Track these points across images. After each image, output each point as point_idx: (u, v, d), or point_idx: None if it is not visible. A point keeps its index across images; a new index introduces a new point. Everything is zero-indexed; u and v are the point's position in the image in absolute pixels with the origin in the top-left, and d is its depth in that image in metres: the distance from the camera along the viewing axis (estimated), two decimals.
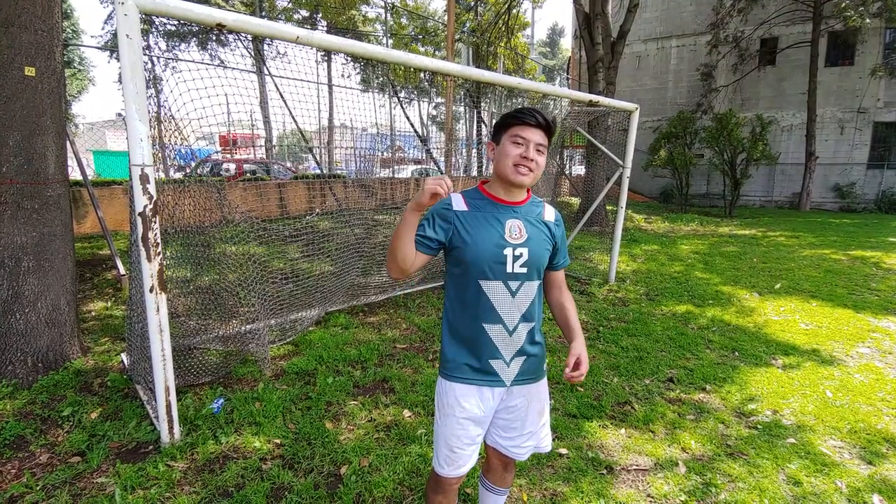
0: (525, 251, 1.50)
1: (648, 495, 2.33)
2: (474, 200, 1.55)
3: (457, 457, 1.59)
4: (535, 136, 1.48)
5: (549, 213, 1.63)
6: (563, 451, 2.64)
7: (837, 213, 15.97)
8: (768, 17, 16.89)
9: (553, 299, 1.74)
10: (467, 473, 1.67)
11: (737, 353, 4.07)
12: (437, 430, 1.65)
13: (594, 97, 5.28)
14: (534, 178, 1.51)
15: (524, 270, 1.51)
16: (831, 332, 4.61)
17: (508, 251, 1.49)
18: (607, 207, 11.13)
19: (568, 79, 23.63)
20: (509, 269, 1.49)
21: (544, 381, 1.70)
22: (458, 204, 1.54)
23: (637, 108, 5.80)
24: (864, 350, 4.19)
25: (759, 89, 17.94)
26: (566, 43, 56.46)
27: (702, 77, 18.43)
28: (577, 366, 1.55)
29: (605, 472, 2.50)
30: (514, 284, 1.51)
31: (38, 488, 2.28)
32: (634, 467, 2.54)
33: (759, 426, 2.95)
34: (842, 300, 5.62)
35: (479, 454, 1.67)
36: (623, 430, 2.88)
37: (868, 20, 14.41)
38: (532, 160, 1.48)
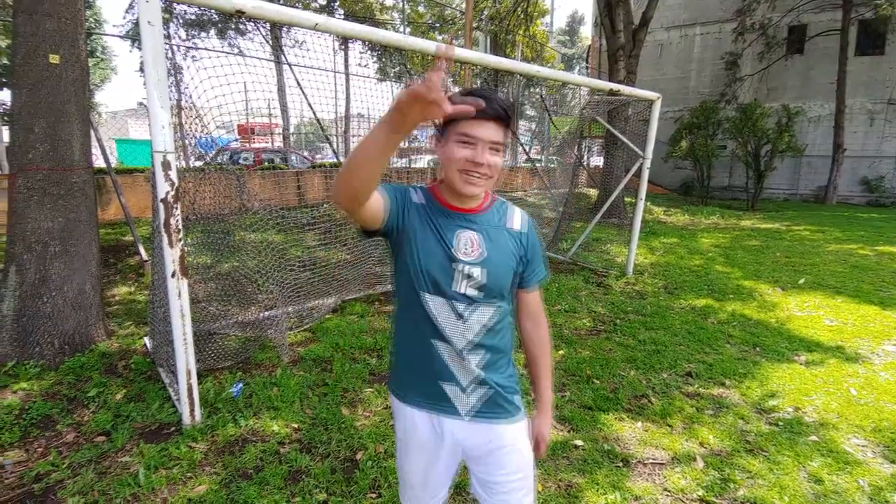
0: (479, 271, 1.19)
1: (665, 489, 2.32)
2: (424, 205, 1.24)
3: (414, 496, 1.39)
4: (489, 132, 1.12)
5: (517, 219, 1.30)
6: (579, 442, 2.63)
7: (865, 208, 15.50)
8: (797, 4, 16.33)
9: (525, 337, 1.39)
10: None
11: (758, 349, 3.99)
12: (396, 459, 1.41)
13: (615, 86, 5.18)
14: (490, 184, 1.20)
15: (477, 293, 1.21)
16: (857, 328, 4.50)
17: (458, 269, 1.19)
18: (626, 199, 10.97)
19: (587, 67, 23.26)
20: (457, 289, 1.20)
21: (521, 425, 1.33)
22: (415, 197, 1.26)
23: (659, 98, 5.68)
24: (891, 348, 4.08)
25: (786, 79, 17.42)
26: (586, 31, 55.45)
27: (726, 66, 17.95)
28: (536, 446, 1.36)
29: (620, 464, 2.48)
30: (460, 307, 1.20)
31: (64, 466, 2.35)
32: (651, 461, 2.52)
33: (780, 423, 2.90)
34: (868, 296, 5.47)
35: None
36: (640, 424, 2.86)
37: None
38: (484, 164, 1.14)
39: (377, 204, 1.13)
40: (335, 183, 1.04)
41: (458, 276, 1.19)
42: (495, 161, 1.16)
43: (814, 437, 2.75)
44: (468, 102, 0.96)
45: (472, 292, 1.20)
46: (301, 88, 6.55)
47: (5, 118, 15.39)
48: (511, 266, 1.26)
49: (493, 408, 1.27)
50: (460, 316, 1.21)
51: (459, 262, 1.19)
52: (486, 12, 20.31)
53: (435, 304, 1.20)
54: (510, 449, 1.29)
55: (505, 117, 1.14)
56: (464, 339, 1.22)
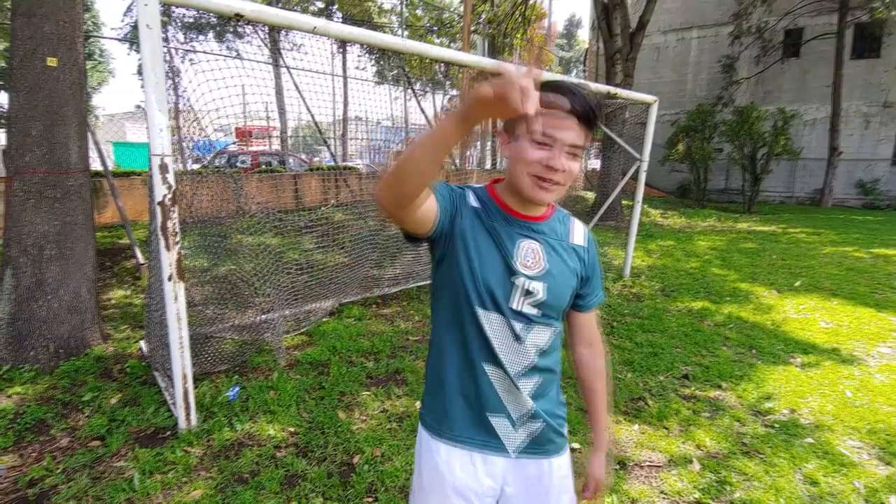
0: (540, 287, 1.06)
1: (662, 492, 2.32)
2: (482, 209, 1.11)
3: None
4: (569, 133, 0.97)
5: (579, 233, 1.17)
6: (576, 445, 2.63)
7: (860, 210, 15.57)
8: (793, 8, 16.42)
9: (582, 365, 1.25)
10: None
11: (754, 351, 4.01)
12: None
13: (612, 89, 5.20)
14: (561, 192, 1.04)
15: (535, 312, 1.08)
16: (852, 331, 4.51)
17: (517, 283, 1.06)
18: (623, 202, 11.00)
19: (584, 71, 23.35)
20: (514, 306, 1.06)
21: (567, 456, 1.21)
22: (472, 199, 1.11)
23: (656, 101, 5.71)
24: (886, 350, 4.10)
25: (782, 82, 17.51)
26: (583, 34, 55.67)
27: (723, 69, 18.03)
28: (585, 486, 1.24)
29: (617, 467, 2.48)
30: (517, 326, 1.07)
31: (58, 471, 2.34)
32: (648, 463, 2.52)
33: (775, 425, 2.90)
34: (863, 299, 5.49)
35: None
36: (636, 426, 2.86)
37: (895, 12, 13.94)
38: (559, 170, 0.99)
39: (429, 208, 0.99)
40: (382, 186, 0.88)
41: (516, 290, 1.06)
42: (572, 167, 1.01)
43: (809, 439, 2.76)
44: (553, 102, 0.90)
45: (529, 310, 1.07)
46: (299, 91, 6.57)
47: (2, 121, 15.37)
48: (572, 284, 1.13)
49: (543, 443, 1.15)
50: (517, 337, 1.08)
51: (519, 276, 1.05)
52: (483, 15, 20.37)
53: (491, 323, 1.06)
54: (558, 487, 1.16)
55: (590, 118, 0.98)
56: (519, 364, 1.09)
